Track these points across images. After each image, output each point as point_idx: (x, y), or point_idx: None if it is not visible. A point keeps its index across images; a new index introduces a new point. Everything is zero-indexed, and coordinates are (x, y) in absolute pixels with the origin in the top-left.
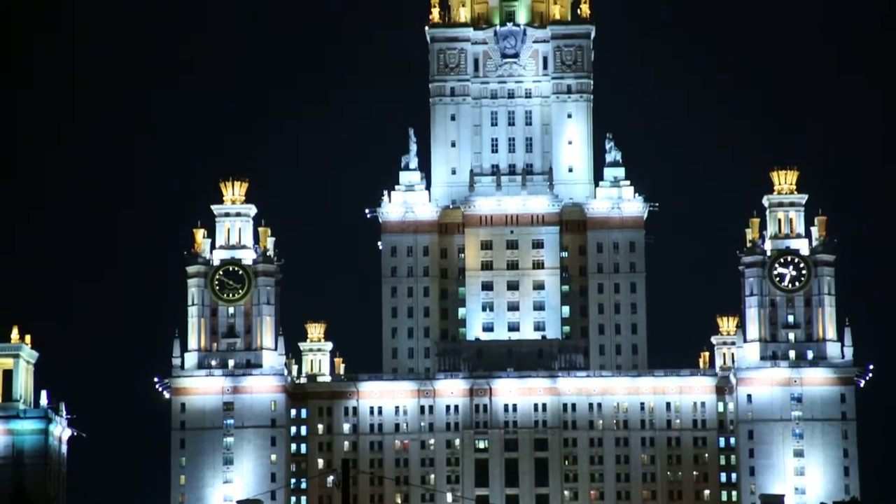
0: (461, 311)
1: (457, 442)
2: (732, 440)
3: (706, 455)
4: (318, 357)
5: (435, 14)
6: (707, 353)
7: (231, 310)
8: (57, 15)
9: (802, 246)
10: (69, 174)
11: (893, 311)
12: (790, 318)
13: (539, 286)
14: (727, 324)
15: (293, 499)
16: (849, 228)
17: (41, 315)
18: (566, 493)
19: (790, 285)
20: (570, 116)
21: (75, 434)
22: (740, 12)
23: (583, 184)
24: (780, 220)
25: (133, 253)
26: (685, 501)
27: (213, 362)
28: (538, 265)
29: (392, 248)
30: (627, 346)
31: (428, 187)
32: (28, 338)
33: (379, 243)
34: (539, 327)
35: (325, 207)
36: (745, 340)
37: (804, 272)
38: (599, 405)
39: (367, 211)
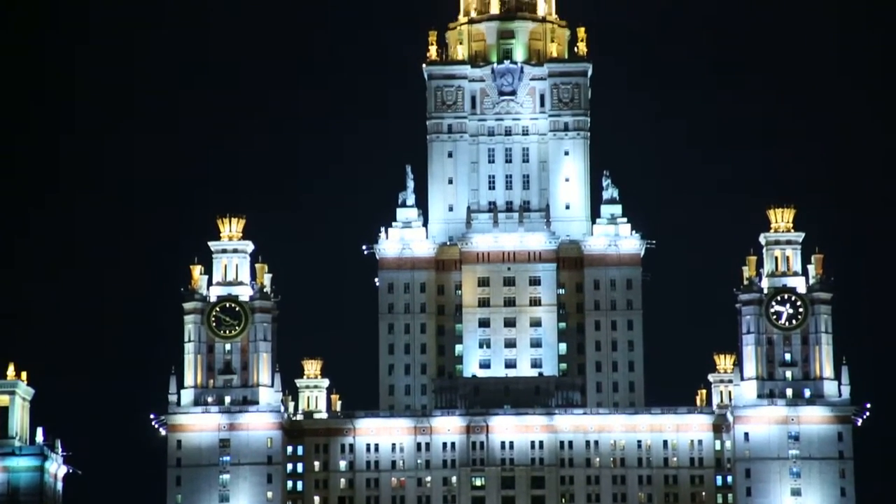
0: (458, 347)
1: (453, 479)
2: (730, 478)
3: (703, 493)
4: (315, 394)
5: (432, 52)
6: (704, 391)
7: (228, 346)
8: (49, 68)
9: (799, 284)
10: (63, 211)
11: (890, 350)
12: (787, 357)
13: (536, 323)
14: (724, 361)
15: None
16: (846, 267)
17: (37, 352)
18: None
19: (787, 323)
20: (567, 154)
21: (71, 471)
22: (738, 47)
23: (580, 221)
24: (776, 258)
25: (129, 289)
26: None
27: (210, 399)
28: (535, 302)
29: (389, 285)
30: (624, 383)
31: (425, 224)
32: (24, 374)
33: (376, 280)
34: (536, 364)
35: (322, 244)
36: (742, 378)
37: (801, 310)
38: (596, 443)
39: (364, 247)
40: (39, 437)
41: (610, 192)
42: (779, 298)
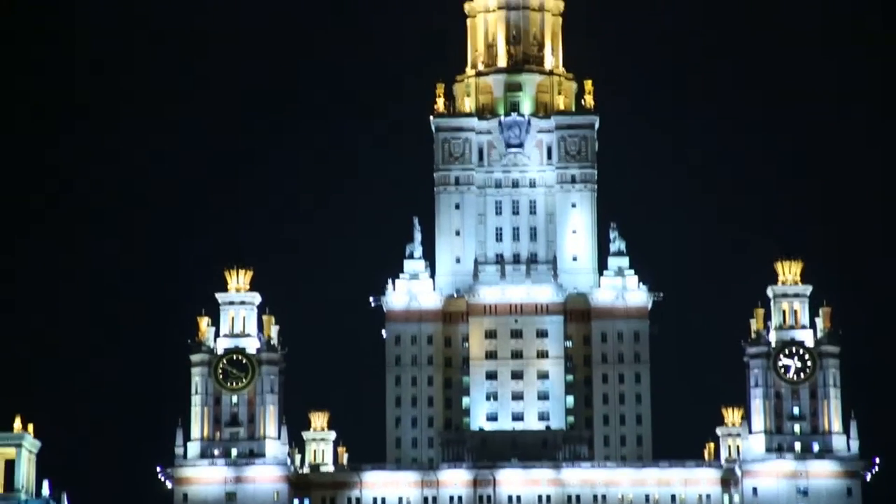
0: (465, 400)
1: None
2: None
3: None
4: (322, 446)
5: (440, 104)
6: (712, 445)
7: (234, 398)
8: (45, 107)
9: (807, 337)
10: (68, 263)
11: None
12: (795, 410)
13: (543, 375)
14: (732, 415)
15: None
16: (853, 320)
17: (43, 404)
18: None
19: (795, 377)
20: (574, 206)
21: None
22: (742, 102)
23: (587, 273)
24: (784, 311)
25: (136, 342)
26: None
27: (216, 451)
28: (542, 354)
29: (396, 337)
30: (632, 436)
31: (432, 276)
32: (30, 427)
33: (383, 332)
34: (543, 417)
35: (329, 296)
36: (750, 432)
37: (809, 364)
38: (604, 497)
39: (371, 299)
40: (46, 490)
41: (617, 244)
42: (787, 352)
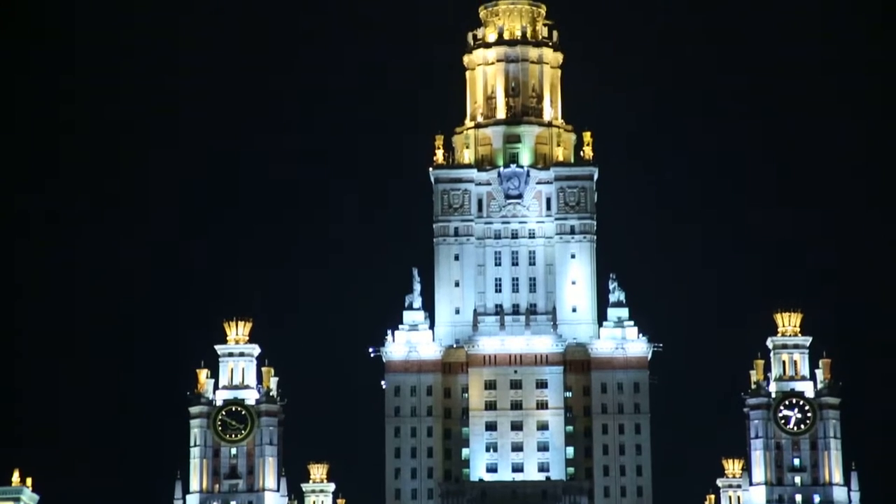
0: (465, 451)
1: None
2: None
3: None
4: (321, 498)
5: (439, 155)
6: (713, 496)
7: (234, 450)
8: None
9: (807, 388)
10: (68, 316)
11: None
12: (796, 462)
13: (543, 426)
14: (733, 466)
15: None
16: (854, 371)
17: (42, 458)
18: None
19: (796, 428)
20: (573, 257)
21: None
22: (741, 148)
23: (586, 324)
24: (784, 363)
25: (135, 394)
26: None
27: None
28: (542, 405)
29: (395, 388)
30: (632, 487)
31: (431, 327)
32: (29, 481)
33: (382, 382)
34: (543, 468)
35: (329, 347)
36: (750, 483)
37: (809, 415)
38: None
39: (370, 350)
40: None
41: (616, 295)
42: (787, 403)
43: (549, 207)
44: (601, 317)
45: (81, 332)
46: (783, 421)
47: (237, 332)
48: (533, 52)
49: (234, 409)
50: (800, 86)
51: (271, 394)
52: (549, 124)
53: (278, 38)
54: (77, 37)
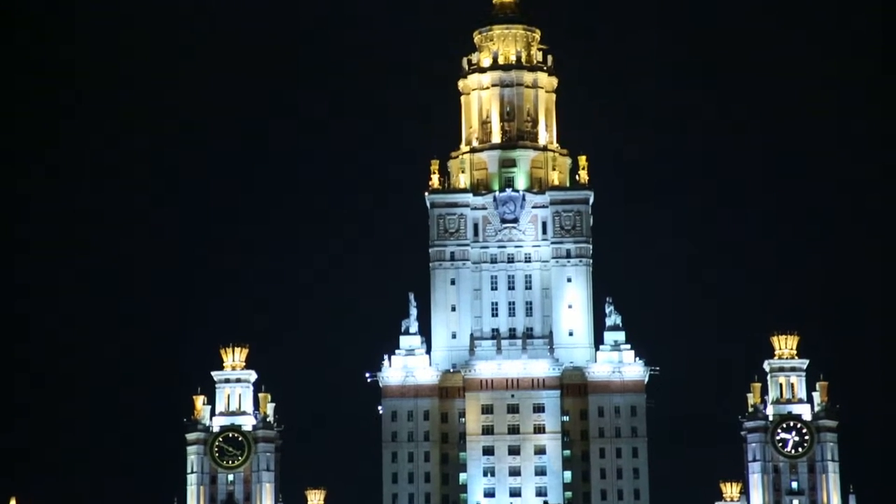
0: (462, 476)
1: None
2: None
3: None
4: None
5: (434, 180)
6: None
7: (230, 477)
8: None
9: (805, 411)
10: (65, 342)
11: None
12: (794, 485)
13: (540, 451)
14: (730, 489)
15: None
16: (851, 394)
17: (39, 485)
18: None
19: (793, 451)
20: (569, 281)
21: None
22: (738, 171)
23: (583, 347)
24: (781, 385)
25: (132, 420)
26: None
27: None
28: (539, 429)
29: (392, 413)
30: None
31: (428, 351)
32: None
33: (379, 408)
34: (541, 492)
35: (325, 372)
36: None
37: (807, 438)
38: None
39: (367, 375)
40: None
41: (613, 318)
42: (784, 426)
43: (544, 231)
44: (598, 340)
45: (82, 357)
46: (781, 444)
47: (234, 358)
48: (528, 77)
49: (230, 435)
50: (797, 113)
51: (268, 420)
52: (545, 148)
53: (279, 69)
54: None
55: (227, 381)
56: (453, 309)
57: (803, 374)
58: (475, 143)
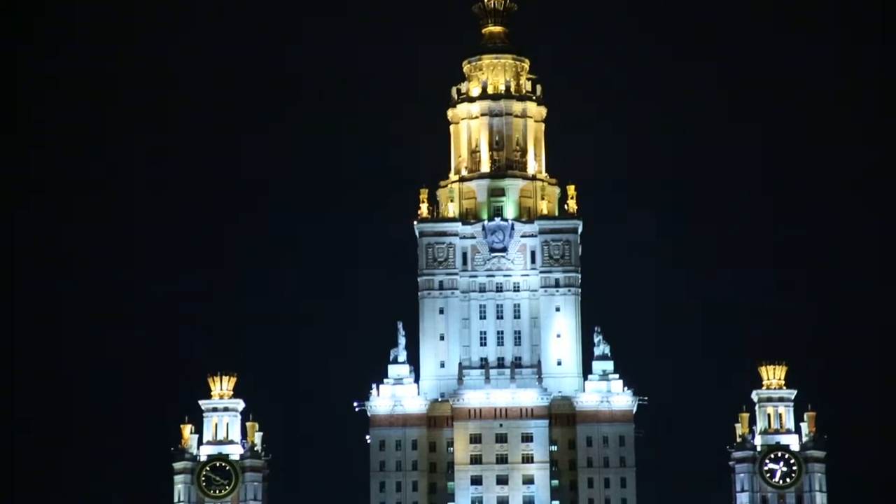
0: None
1: None
2: None
3: None
4: None
5: (423, 209)
6: None
7: None
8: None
9: (793, 441)
10: (56, 381)
11: None
12: None
13: (529, 480)
14: None
15: None
16: (839, 424)
17: None
18: None
19: (781, 481)
20: (558, 310)
21: None
22: (730, 199)
23: (571, 377)
24: (769, 416)
25: (118, 449)
26: None
27: None
28: (528, 459)
29: (380, 442)
30: None
31: (417, 380)
32: None
33: (367, 437)
34: None
35: (313, 401)
36: None
37: (795, 468)
38: None
39: (355, 404)
40: None
41: (601, 348)
42: (772, 456)
43: (533, 260)
44: (586, 370)
45: (68, 388)
46: (769, 474)
47: (221, 387)
48: (517, 107)
49: (218, 464)
50: (794, 145)
51: (256, 449)
52: (533, 178)
53: (274, 97)
54: None
55: (215, 409)
56: (442, 338)
57: (791, 404)
58: (464, 172)
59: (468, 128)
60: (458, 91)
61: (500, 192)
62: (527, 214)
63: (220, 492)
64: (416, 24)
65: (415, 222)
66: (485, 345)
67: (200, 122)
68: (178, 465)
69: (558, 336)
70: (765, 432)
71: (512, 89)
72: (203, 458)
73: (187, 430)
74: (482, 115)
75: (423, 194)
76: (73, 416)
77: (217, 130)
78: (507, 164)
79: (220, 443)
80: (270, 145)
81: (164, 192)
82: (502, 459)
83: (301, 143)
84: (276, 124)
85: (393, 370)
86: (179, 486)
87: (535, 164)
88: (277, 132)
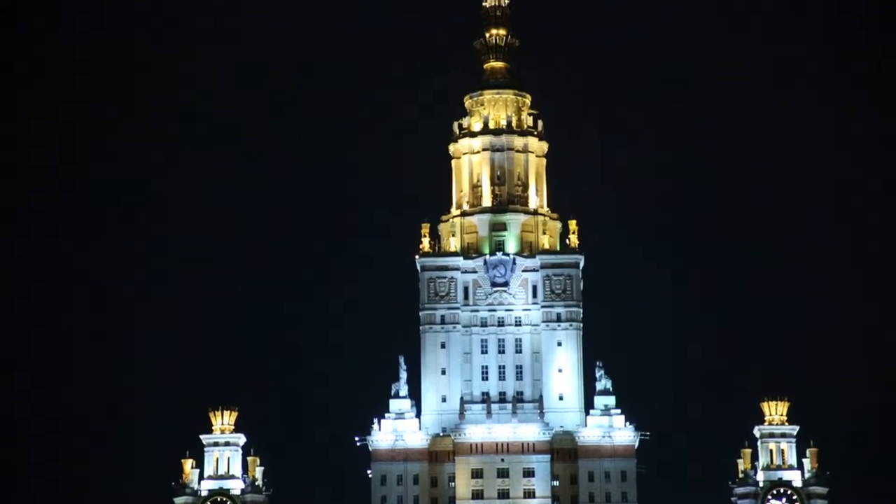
0: None
1: None
2: None
3: None
4: None
5: (425, 244)
6: None
7: None
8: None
9: (795, 477)
10: (54, 406)
11: None
12: None
13: None
14: None
15: None
16: (842, 460)
17: None
18: None
19: None
20: (559, 345)
21: None
22: (731, 234)
23: (573, 412)
24: (771, 451)
25: (118, 484)
26: None
27: None
28: (529, 494)
29: (382, 477)
30: None
31: (418, 415)
32: None
33: (368, 471)
34: None
35: (315, 435)
36: None
37: None
38: None
39: (356, 439)
40: None
41: (603, 382)
42: (775, 492)
43: (535, 295)
44: (588, 405)
45: (67, 420)
46: None
47: (223, 421)
48: (518, 141)
49: (219, 499)
50: (794, 176)
51: (257, 483)
52: (535, 212)
53: (275, 129)
54: None
55: (216, 444)
56: (443, 372)
57: (793, 440)
58: (466, 207)
59: (470, 162)
60: (460, 126)
61: (502, 227)
62: (528, 249)
63: None
64: (418, 57)
65: (416, 257)
66: (486, 379)
67: (195, 162)
68: (178, 500)
69: (560, 371)
70: (767, 468)
71: (513, 124)
72: (204, 493)
73: (188, 464)
74: (484, 149)
75: (425, 228)
76: (73, 452)
77: (218, 175)
78: (508, 198)
79: (222, 477)
80: (271, 178)
81: (164, 247)
82: (504, 494)
83: (301, 172)
84: (276, 154)
85: (394, 405)
86: None
87: (536, 198)
88: (278, 163)
